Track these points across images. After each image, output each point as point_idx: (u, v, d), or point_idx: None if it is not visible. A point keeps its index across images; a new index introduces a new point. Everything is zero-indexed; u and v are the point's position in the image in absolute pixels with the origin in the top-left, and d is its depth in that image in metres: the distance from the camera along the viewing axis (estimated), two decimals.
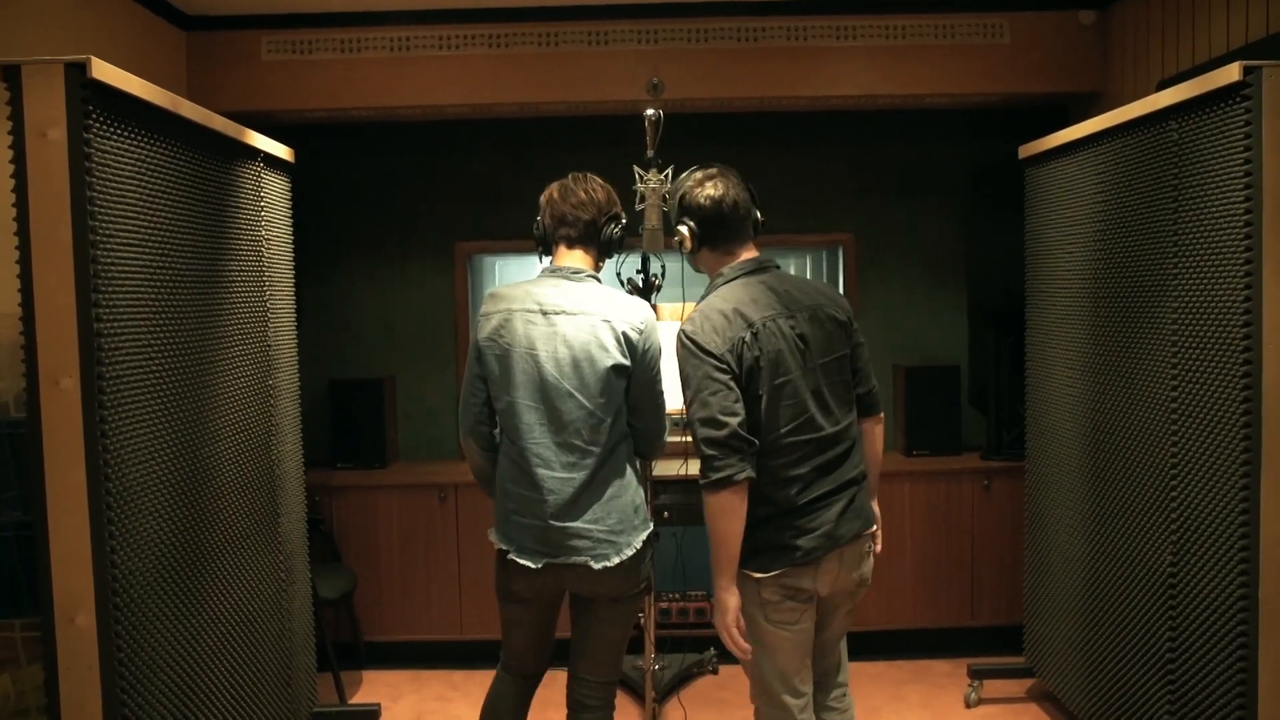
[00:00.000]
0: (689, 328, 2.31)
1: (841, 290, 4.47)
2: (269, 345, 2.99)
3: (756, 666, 2.40)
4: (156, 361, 2.31)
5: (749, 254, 2.45)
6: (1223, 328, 2.42)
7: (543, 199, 2.60)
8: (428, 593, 4.09)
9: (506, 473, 2.50)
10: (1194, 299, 2.53)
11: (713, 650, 4.01)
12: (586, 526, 2.41)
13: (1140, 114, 2.75)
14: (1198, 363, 2.52)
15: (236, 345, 2.75)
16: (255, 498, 2.85)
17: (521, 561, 2.45)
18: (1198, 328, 2.52)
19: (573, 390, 2.41)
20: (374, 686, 3.95)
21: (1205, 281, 2.48)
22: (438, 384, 4.47)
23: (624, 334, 2.43)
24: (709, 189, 2.41)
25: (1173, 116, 2.61)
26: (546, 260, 2.61)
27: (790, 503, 2.29)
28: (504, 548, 2.49)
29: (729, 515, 2.22)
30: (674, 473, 3.78)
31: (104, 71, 2.08)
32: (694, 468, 3.94)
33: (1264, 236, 2.28)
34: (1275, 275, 2.29)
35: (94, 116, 2.07)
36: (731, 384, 2.24)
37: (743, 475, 2.20)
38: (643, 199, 3.04)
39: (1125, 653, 2.89)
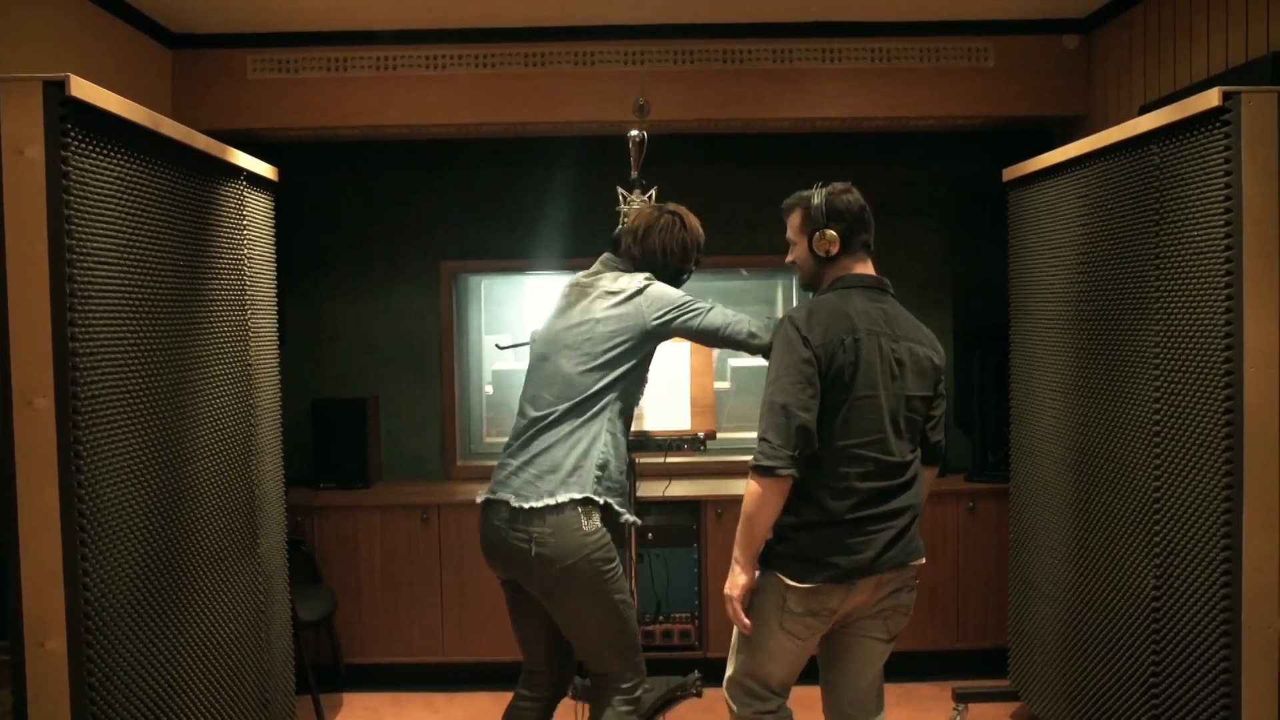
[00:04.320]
0: (797, 314, 2.37)
1: None
2: (250, 364, 2.96)
3: (750, 657, 2.43)
4: (133, 381, 2.28)
5: (868, 268, 2.51)
6: (1205, 350, 2.42)
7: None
8: (409, 614, 4.04)
9: None
10: (1176, 322, 2.54)
11: (696, 673, 3.98)
12: None
13: (1122, 138, 2.76)
14: (1180, 385, 2.53)
15: (216, 364, 2.73)
16: (234, 518, 2.82)
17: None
18: (1180, 350, 2.52)
19: None
20: (353, 709, 3.90)
21: (1187, 304, 2.49)
22: (422, 403, 4.44)
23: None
24: (854, 196, 2.48)
25: (1154, 141, 2.63)
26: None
27: (841, 514, 2.31)
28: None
29: (764, 502, 2.28)
30: (659, 494, 3.78)
31: (83, 89, 2.06)
32: (676, 489, 3.96)
33: (1244, 260, 2.30)
34: (1256, 298, 2.30)
35: (72, 134, 2.06)
36: (814, 379, 2.29)
37: (786, 472, 2.25)
38: (626, 220, 3.04)
39: (1110, 677, 2.88)
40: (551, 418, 2.54)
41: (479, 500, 2.61)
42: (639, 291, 2.61)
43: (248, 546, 2.92)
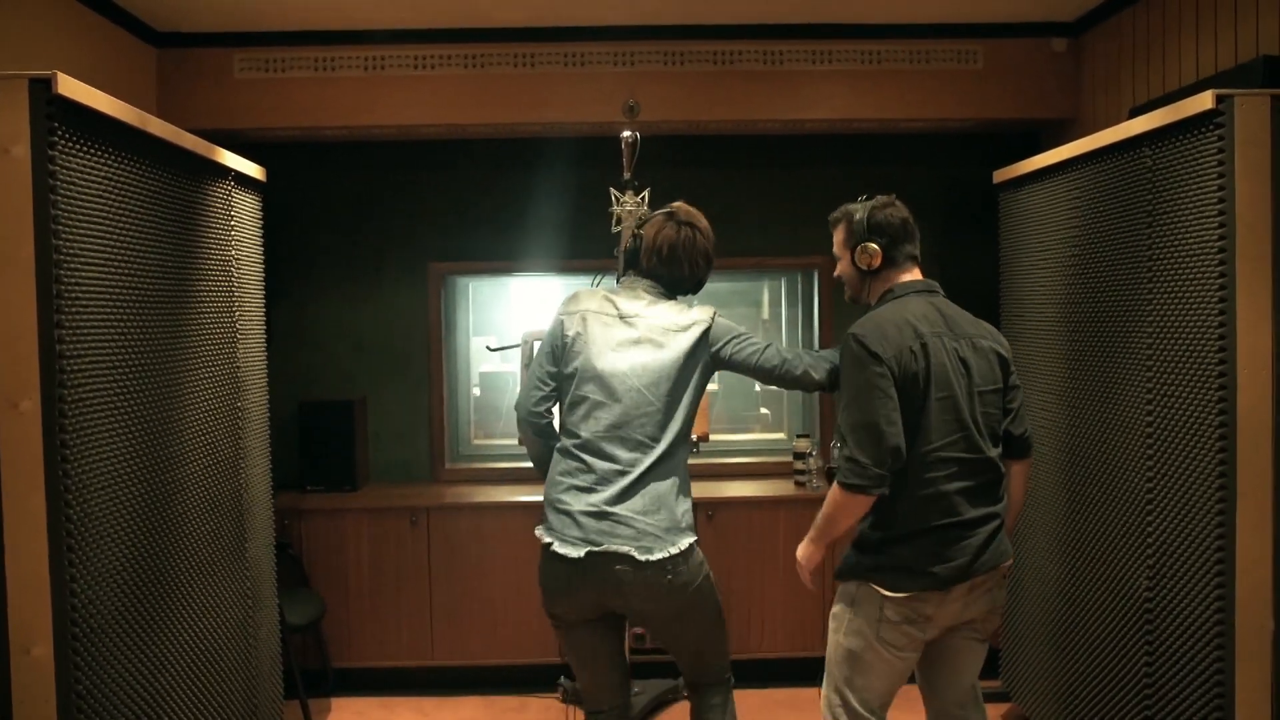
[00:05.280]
0: (859, 330, 2.34)
1: (816, 314, 4.46)
2: (238, 366, 2.93)
3: (848, 671, 2.38)
4: (121, 383, 2.25)
5: (917, 275, 2.51)
6: (1198, 352, 2.43)
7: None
8: (398, 618, 4.01)
9: None
10: (1169, 324, 2.54)
11: None
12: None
13: (1114, 140, 2.77)
14: (1173, 387, 2.53)
15: (204, 366, 2.70)
16: (222, 522, 2.79)
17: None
18: (1173, 352, 2.53)
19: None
20: (342, 714, 3.87)
21: (1180, 307, 2.50)
22: (409, 406, 4.41)
23: None
24: (897, 210, 2.50)
25: (1146, 143, 2.63)
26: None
27: (931, 521, 2.30)
28: None
29: (847, 510, 2.31)
30: None
31: (70, 87, 2.03)
32: None
33: (1237, 262, 2.30)
34: (1249, 301, 2.30)
35: (59, 133, 2.03)
36: (893, 392, 2.26)
37: (876, 491, 2.25)
38: (619, 221, 3.03)
39: (1102, 677, 2.88)
40: (650, 463, 2.50)
41: (577, 554, 2.44)
42: (706, 330, 2.60)
43: (236, 550, 2.89)
